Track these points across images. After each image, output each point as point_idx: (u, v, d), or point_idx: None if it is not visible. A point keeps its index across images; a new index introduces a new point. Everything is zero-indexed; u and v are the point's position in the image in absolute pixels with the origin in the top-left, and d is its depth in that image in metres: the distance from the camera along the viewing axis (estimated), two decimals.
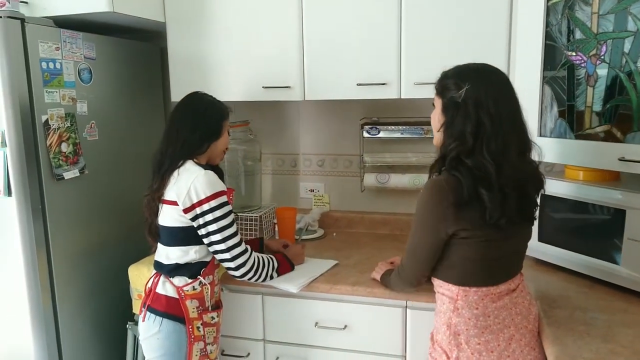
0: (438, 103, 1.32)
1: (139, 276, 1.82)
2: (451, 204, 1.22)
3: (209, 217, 1.51)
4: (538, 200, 1.34)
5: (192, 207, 1.51)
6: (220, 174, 1.70)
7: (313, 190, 2.46)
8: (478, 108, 1.21)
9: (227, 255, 1.55)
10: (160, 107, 2.42)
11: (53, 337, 1.81)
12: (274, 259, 1.73)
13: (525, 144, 1.28)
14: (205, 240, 1.55)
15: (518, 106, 1.27)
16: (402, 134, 2.19)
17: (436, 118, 1.33)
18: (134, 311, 1.92)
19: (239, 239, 1.57)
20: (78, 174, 1.87)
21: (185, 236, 1.55)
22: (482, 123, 1.21)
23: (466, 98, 1.22)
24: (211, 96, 1.69)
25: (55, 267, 1.79)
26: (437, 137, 1.33)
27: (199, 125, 1.60)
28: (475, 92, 1.22)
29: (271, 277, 1.70)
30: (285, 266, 1.77)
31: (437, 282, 1.38)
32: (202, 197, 1.50)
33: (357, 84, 1.91)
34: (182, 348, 1.54)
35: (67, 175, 1.82)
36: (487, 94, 1.22)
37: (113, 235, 2.09)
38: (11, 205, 1.69)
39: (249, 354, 1.87)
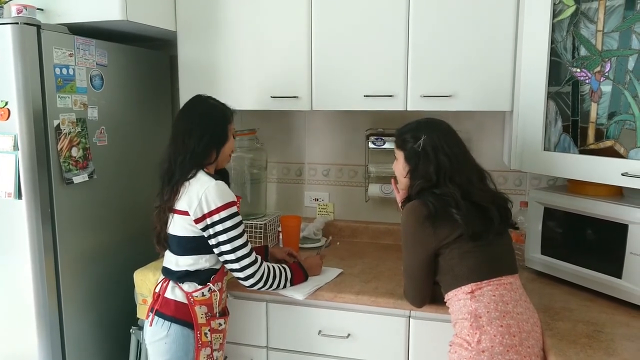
0: (400, 155, 1.55)
1: (144, 281, 1.83)
2: (426, 217, 1.42)
3: (219, 227, 1.52)
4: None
5: (203, 217, 1.52)
6: (225, 175, 1.71)
7: (318, 199, 2.48)
8: (436, 151, 1.45)
9: (236, 266, 1.56)
10: (169, 114, 2.44)
11: (57, 339, 1.82)
12: (287, 269, 1.73)
13: (480, 172, 1.51)
14: (216, 250, 1.56)
15: (465, 146, 1.52)
16: None
17: (400, 167, 1.55)
18: (138, 316, 1.92)
19: (248, 250, 1.58)
20: (87, 179, 1.89)
21: (196, 245, 1.57)
22: (442, 162, 1.44)
23: (425, 146, 1.46)
24: (214, 99, 1.68)
25: (61, 269, 1.81)
26: (404, 182, 1.55)
27: (205, 132, 1.58)
28: (431, 141, 1.46)
29: (284, 287, 1.70)
30: (300, 276, 1.77)
31: (450, 295, 1.42)
32: (213, 207, 1.51)
33: (364, 96, 1.93)
34: (189, 353, 1.55)
35: (77, 179, 1.84)
36: (440, 140, 1.47)
37: (119, 239, 2.10)
38: (21, 207, 1.71)
39: None
